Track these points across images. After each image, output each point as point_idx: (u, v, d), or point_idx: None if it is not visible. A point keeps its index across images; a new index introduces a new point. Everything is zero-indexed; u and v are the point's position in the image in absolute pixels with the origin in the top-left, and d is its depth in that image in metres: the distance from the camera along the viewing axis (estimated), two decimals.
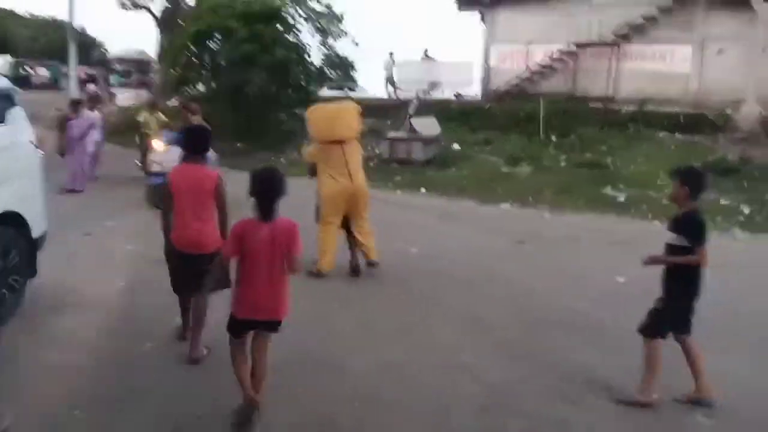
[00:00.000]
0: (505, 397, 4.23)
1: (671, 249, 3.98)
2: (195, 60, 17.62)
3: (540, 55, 20.04)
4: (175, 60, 17.87)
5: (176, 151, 8.05)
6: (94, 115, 11.98)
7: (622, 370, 4.52)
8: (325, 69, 19.48)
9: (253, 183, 3.44)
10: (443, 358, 4.81)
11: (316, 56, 19.23)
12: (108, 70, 37.52)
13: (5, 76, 23.34)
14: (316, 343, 4.84)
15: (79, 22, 33.03)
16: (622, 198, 12.03)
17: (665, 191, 12.45)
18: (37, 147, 5.05)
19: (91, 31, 52.48)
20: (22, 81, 36.00)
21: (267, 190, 3.42)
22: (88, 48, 48.87)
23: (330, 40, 19.99)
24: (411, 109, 16.15)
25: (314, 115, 6.96)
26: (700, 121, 16.85)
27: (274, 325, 3.61)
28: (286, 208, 3.56)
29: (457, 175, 14.21)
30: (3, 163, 4.58)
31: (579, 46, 19.49)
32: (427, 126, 15.83)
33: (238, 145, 17.35)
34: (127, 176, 11.93)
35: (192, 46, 17.61)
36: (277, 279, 3.49)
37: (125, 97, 27.93)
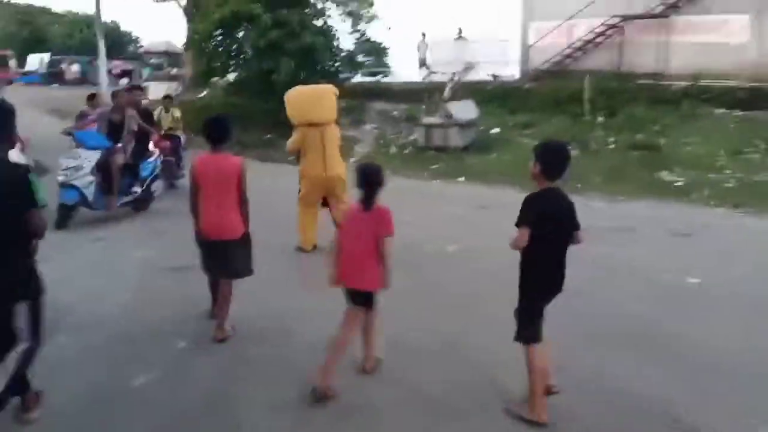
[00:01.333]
0: None
1: None
2: (220, 49, 17.04)
3: (582, 30, 18.83)
4: (201, 50, 17.32)
5: (87, 156, 7.77)
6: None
7: (711, 402, 3.70)
8: (356, 54, 18.75)
9: (359, 176, 3.84)
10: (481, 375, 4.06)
11: (347, 41, 18.54)
12: (142, 63, 37.57)
13: (42, 73, 23.49)
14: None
15: (112, 16, 33.08)
16: (680, 182, 11.00)
17: (726, 173, 11.48)
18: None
19: (126, 26, 52.97)
20: (55, 77, 36.61)
21: (371, 183, 3.84)
22: (123, 42, 49.31)
23: (361, 25, 19.24)
24: (446, 93, 15.28)
25: (292, 97, 6.95)
26: (760, 96, 15.51)
27: (369, 297, 3.94)
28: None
29: (497, 161, 13.35)
30: None
31: (624, 18, 18.24)
32: (464, 110, 14.96)
33: (267, 135, 16.78)
34: None
35: (217, 35, 17.05)
36: (370, 254, 3.84)
37: (156, 90, 27.76)
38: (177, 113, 11.55)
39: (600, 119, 15.82)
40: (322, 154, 6.69)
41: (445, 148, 14.38)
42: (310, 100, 6.85)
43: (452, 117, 14.71)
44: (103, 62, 21.76)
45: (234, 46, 17.40)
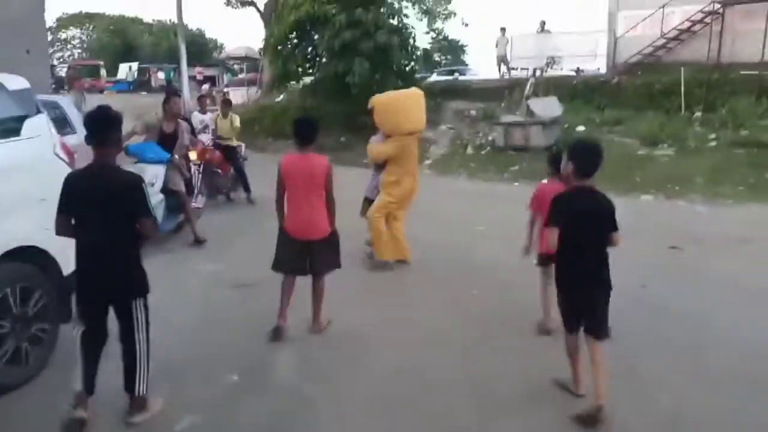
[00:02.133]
0: None
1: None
2: (296, 52, 16.89)
3: (677, 18, 17.41)
4: (277, 53, 17.23)
5: (155, 172, 6.61)
6: (200, 116, 10.76)
7: None
8: (432, 53, 18.19)
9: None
10: None
11: (423, 40, 18.03)
12: (224, 69, 38.46)
13: (130, 81, 24.08)
14: None
15: (197, 24, 33.87)
16: None
17: None
18: (67, 161, 4.14)
19: (211, 33, 54.58)
20: (143, 85, 38.06)
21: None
22: (208, 49, 50.78)
23: (437, 23, 18.67)
24: (528, 89, 14.46)
25: (382, 104, 6.28)
26: None
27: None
28: None
29: None
30: (19, 187, 3.72)
31: (725, 4, 16.73)
32: (547, 107, 14.08)
33: (342, 138, 16.47)
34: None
35: (292, 38, 16.93)
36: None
37: (236, 95, 28.19)
38: (237, 121, 10.19)
39: (698, 114, 14.53)
40: (412, 164, 6.35)
41: (525, 149, 13.58)
42: (406, 107, 6.28)
43: (534, 115, 13.90)
44: (184, 68, 22.09)
45: (309, 49, 17.21)
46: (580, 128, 15.07)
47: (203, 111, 11.03)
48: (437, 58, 18.08)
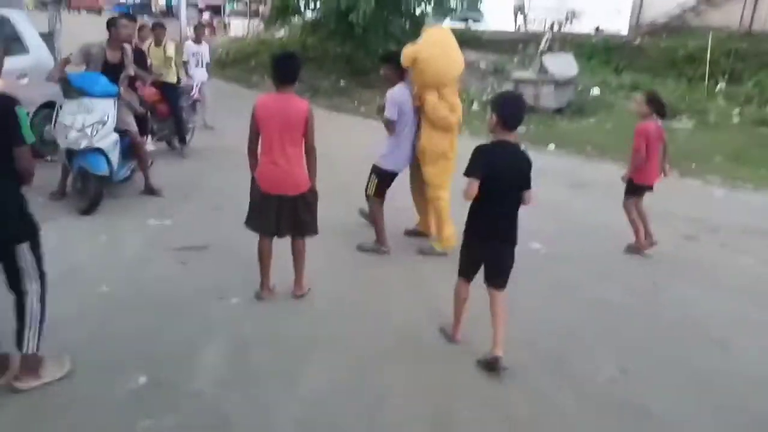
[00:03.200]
0: None
1: None
2: None
3: None
4: None
5: (104, 107, 5.61)
6: (194, 47, 9.92)
7: None
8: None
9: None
10: None
11: None
12: None
13: (131, 4, 22.75)
14: None
15: None
16: None
17: None
18: None
19: None
20: (145, 8, 36.69)
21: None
22: None
23: None
24: (543, 44, 13.41)
25: (430, 52, 4.94)
26: None
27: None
28: None
29: (595, 128, 11.57)
30: None
31: None
32: (562, 65, 13.08)
33: (341, 82, 15.50)
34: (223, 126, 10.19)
35: None
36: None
37: (237, 26, 26.93)
38: (171, 50, 8.44)
39: (722, 86, 13.58)
40: (450, 123, 5.14)
41: (534, 109, 12.66)
42: (451, 49, 5.12)
43: (547, 72, 12.92)
44: None
45: None
46: (595, 91, 14.13)
47: (197, 41, 10.09)
48: (452, 4, 16.81)
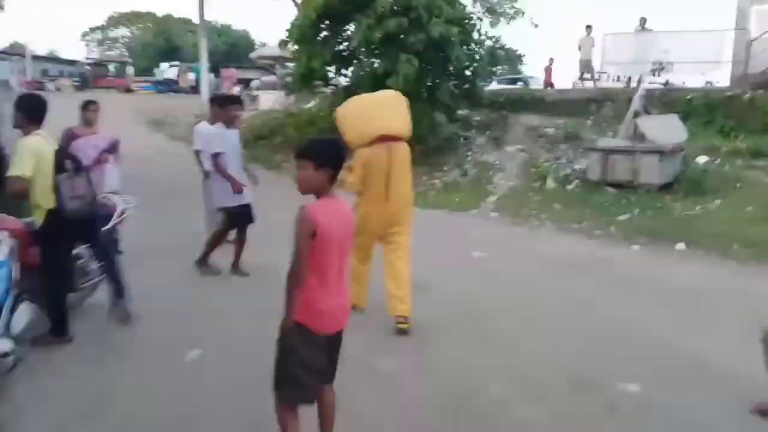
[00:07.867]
0: None
1: None
2: (324, 45, 13.23)
3: None
4: (299, 43, 13.62)
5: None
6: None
7: None
8: (496, 52, 14.32)
9: None
10: None
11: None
12: (268, 72, 35.43)
13: (159, 81, 20.93)
14: None
15: (242, 25, 31.16)
16: None
17: None
18: None
19: (254, 33, 52.10)
20: (170, 85, 35.80)
21: None
22: (252, 50, 48.19)
23: (500, 24, 14.86)
24: (636, 104, 10.40)
25: (348, 109, 4.91)
26: None
27: None
28: None
29: (730, 214, 8.31)
30: None
31: None
32: (665, 129, 10.09)
33: None
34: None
35: (323, 27, 13.30)
36: None
37: (267, 99, 24.93)
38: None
39: None
40: (385, 178, 4.71)
41: (632, 186, 9.59)
42: (374, 106, 4.97)
43: (645, 139, 9.90)
44: (204, 68, 18.79)
45: (341, 43, 13.53)
46: (702, 158, 10.95)
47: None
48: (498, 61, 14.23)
